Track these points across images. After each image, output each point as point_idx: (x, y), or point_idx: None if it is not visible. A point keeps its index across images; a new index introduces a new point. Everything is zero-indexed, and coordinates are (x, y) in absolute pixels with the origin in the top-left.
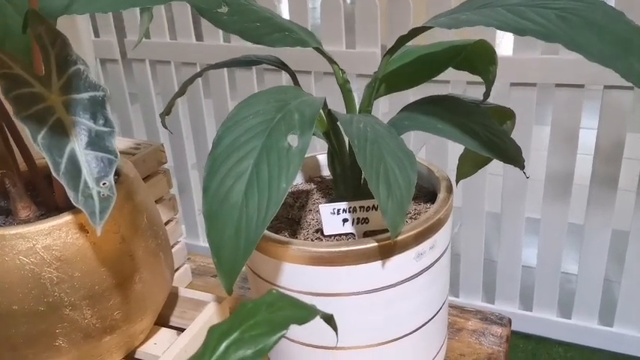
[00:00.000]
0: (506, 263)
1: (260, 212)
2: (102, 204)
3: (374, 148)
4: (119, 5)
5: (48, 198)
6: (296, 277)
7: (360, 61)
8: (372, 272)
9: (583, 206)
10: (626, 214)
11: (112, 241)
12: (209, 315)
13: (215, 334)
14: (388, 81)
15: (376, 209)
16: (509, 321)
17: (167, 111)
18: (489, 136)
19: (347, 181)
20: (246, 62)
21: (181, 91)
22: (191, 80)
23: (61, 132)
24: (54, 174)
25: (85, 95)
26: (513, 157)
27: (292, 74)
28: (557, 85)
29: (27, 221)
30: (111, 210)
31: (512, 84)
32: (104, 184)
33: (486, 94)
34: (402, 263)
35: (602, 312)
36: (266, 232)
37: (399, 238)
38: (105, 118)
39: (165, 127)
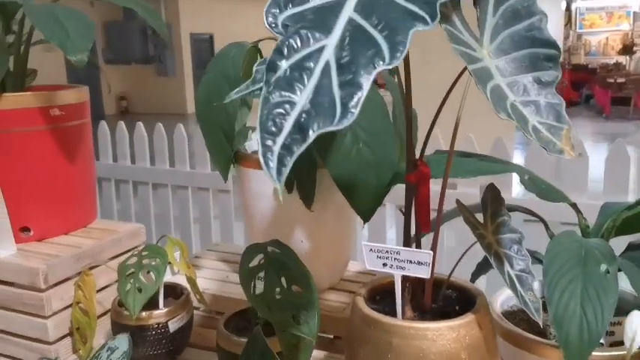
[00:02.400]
0: None
1: (597, 319)
2: (534, 305)
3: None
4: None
5: (419, 302)
6: None
7: None
8: None
9: None
10: None
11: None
12: None
13: None
14: (618, 227)
15: (621, 324)
16: None
17: None
18: None
19: None
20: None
21: None
22: None
23: (499, 258)
24: (507, 283)
25: (508, 236)
26: None
27: (545, 223)
28: None
29: (412, 319)
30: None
31: None
32: (530, 292)
33: None
34: None
35: None
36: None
37: None
38: (521, 250)
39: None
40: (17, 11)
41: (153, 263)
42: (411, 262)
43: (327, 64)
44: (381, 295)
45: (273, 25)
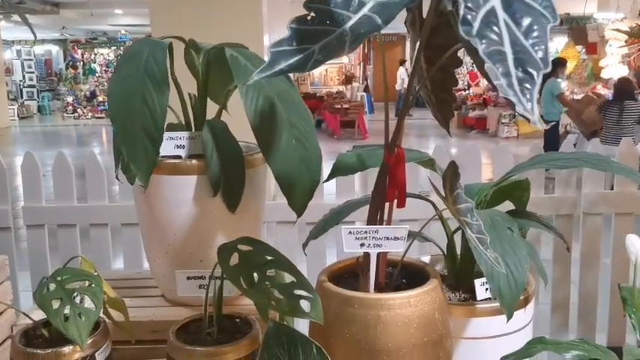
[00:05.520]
0: None
1: (519, 268)
2: (495, 258)
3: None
4: None
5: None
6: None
7: None
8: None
9: None
10: None
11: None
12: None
13: None
14: (488, 201)
15: None
16: None
17: None
18: (542, 221)
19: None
20: None
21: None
22: None
23: (460, 225)
24: (472, 244)
25: (464, 205)
26: (558, 234)
27: (433, 204)
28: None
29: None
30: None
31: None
32: (489, 250)
33: (523, 210)
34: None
35: None
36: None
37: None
38: (474, 216)
39: None
40: None
41: (85, 286)
42: (388, 238)
43: (505, 21)
44: (336, 279)
45: None
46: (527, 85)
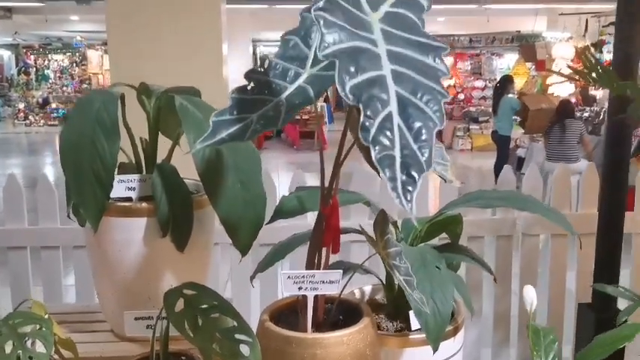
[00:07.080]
0: None
1: (444, 305)
2: (420, 300)
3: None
4: None
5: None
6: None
7: None
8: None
9: None
10: None
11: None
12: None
13: None
14: (423, 236)
15: None
16: None
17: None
18: (473, 257)
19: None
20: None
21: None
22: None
23: (390, 269)
24: (402, 286)
25: (393, 250)
26: (486, 268)
27: (371, 238)
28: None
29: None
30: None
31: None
32: (415, 291)
33: (456, 242)
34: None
35: None
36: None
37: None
38: (402, 259)
39: None
40: None
41: (36, 329)
42: (323, 282)
43: (399, 126)
44: (277, 316)
45: (343, 93)
46: (409, 188)
